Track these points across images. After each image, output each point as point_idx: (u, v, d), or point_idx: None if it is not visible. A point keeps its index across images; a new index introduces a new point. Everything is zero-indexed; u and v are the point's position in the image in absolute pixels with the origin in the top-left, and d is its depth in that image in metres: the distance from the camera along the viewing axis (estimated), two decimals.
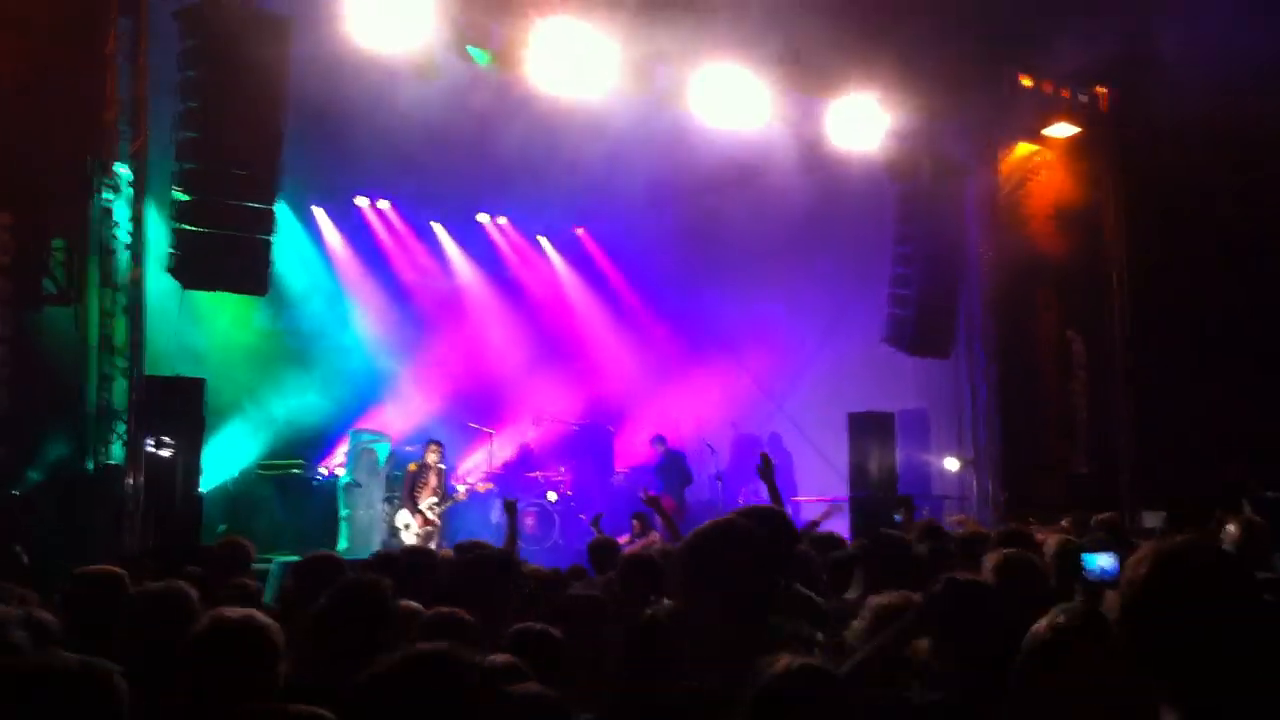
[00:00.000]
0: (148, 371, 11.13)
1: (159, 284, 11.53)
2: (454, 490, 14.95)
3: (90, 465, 10.54)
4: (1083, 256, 16.60)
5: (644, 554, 6.54)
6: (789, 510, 7.42)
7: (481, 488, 14.99)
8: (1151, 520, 10.29)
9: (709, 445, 16.91)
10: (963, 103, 15.00)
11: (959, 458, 16.11)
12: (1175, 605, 2.20)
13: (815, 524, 7.86)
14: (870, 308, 15.96)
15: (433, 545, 14.01)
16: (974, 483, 15.95)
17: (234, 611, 3.72)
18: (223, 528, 12.97)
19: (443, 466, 14.73)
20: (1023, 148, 16.52)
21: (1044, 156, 16.62)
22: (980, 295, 16.27)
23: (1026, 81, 15.72)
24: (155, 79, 11.20)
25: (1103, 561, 5.39)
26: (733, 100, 13.65)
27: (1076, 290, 16.52)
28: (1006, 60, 15.35)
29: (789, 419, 17.90)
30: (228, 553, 6.49)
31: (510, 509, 7.68)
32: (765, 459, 7.29)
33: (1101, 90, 16.44)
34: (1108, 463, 16.24)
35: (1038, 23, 14.42)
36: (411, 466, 14.81)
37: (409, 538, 14.26)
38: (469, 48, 12.39)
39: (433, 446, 14.76)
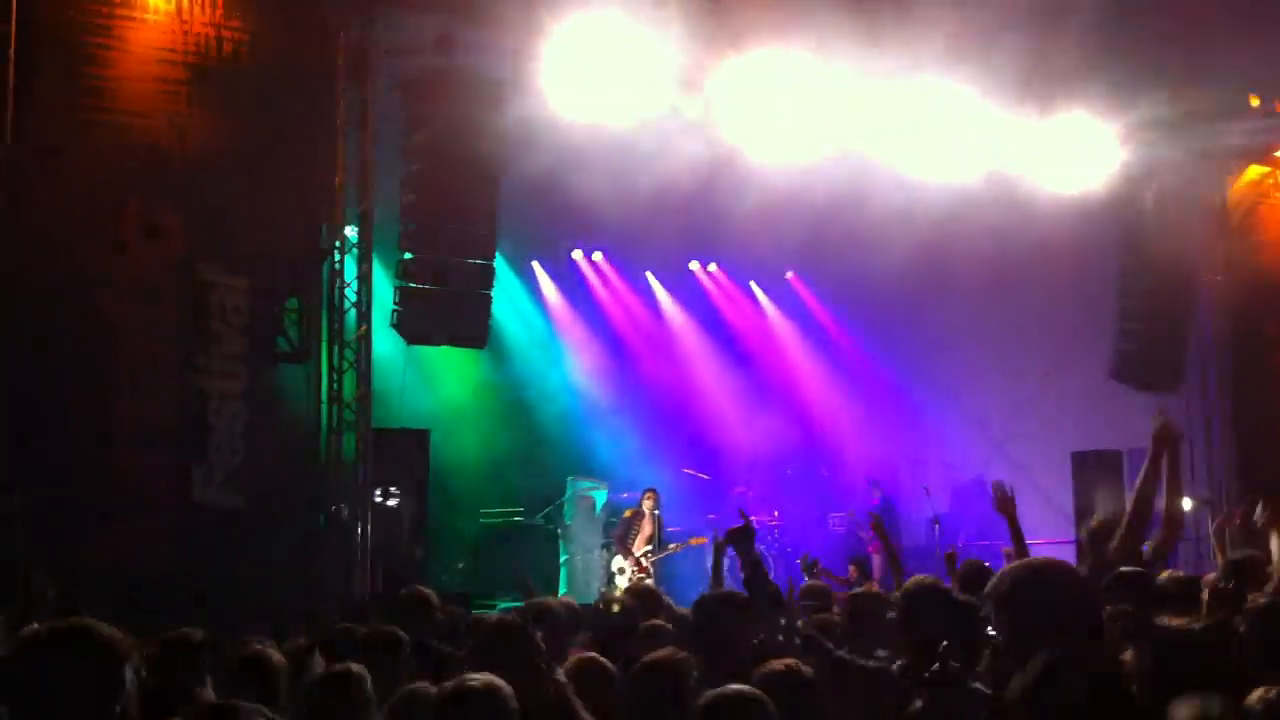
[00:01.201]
0: (375, 425, 11.58)
1: (388, 341, 12.02)
2: (670, 540, 15.05)
3: (323, 516, 10.99)
4: None
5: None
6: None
7: (695, 542, 15.01)
8: None
9: (925, 488, 16.57)
10: (1189, 125, 14.48)
11: (1194, 497, 15.41)
12: None
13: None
14: (1095, 344, 15.49)
15: None
16: (1210, 523, 15.22)
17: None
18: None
19: (659, 514, 14.85)
20: (1253, 170, 15.84)
21: (1276, 179, 15.90)
22: (1211, 327, 15.61)
23: (1255, 101, 15.08)
24: (380, 144, 11.71)
25: None
26: (947, 134, 13.49)
27: None
28: (1233, 80, 14.75)
29: (1008, 459, 17.43)
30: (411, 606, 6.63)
31: (719, 549, 7.64)
32: (999, 490, 7.10)
33: None
34: None
35: (1265, 37, 13.83)
36: (627, 513, 14.99)
37: (622, 582, 14.44)
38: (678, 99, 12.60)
39: (648, 494, 14.90)
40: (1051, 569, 3.67)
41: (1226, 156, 15.55)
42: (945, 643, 4.04)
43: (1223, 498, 15.28)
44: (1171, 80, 13.77)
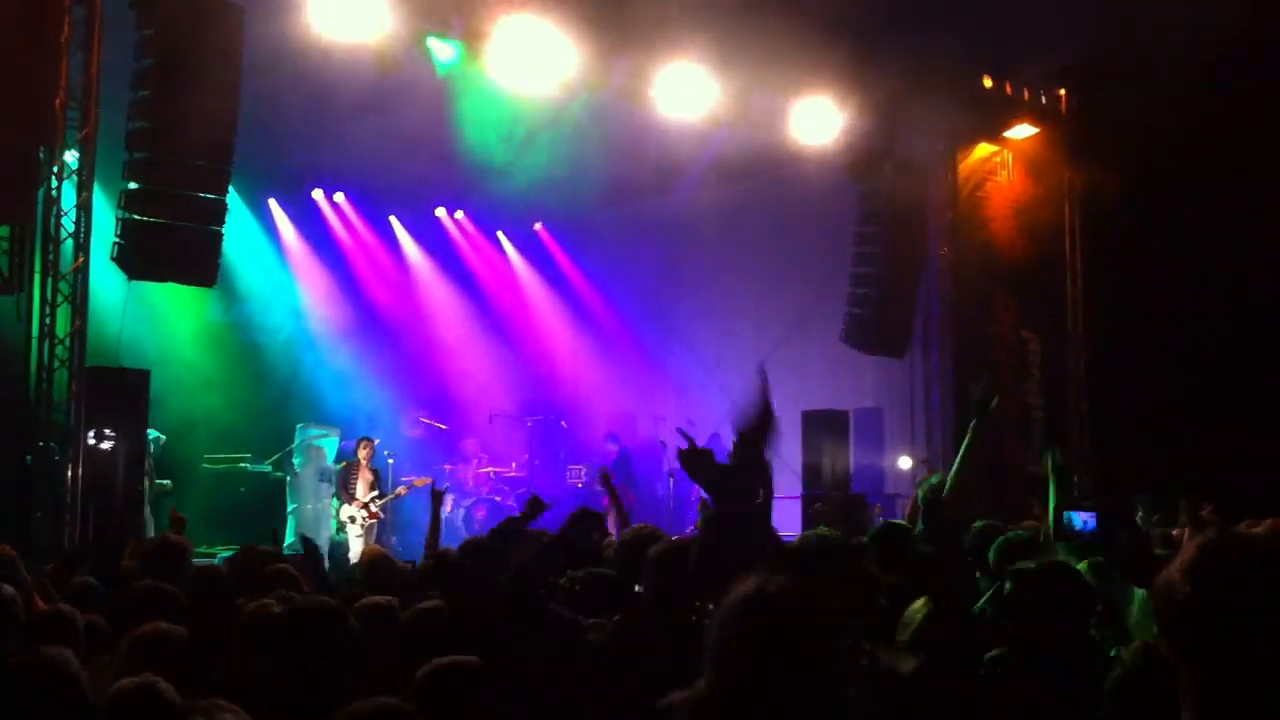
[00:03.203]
0: (92, 363, 10.96)
1: (108, 276, 11.38)
2: (398, 484, 14.94)
3: (29, 458, 10.36)
4: (1040, 256, 16.64)
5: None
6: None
7: (419, 483, 14.92)
8: None
9: (662, 442, 16.82)
10: (924, 103, 14.99)
11: (912, 456, 16.11)
12: (1231, 597, 2.12)
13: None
14: (832, 307, 15.96)
15: (371, 536, 14.05)
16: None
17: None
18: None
19: (375, 465, 14.72)
20: (983, 148, 16.52)
21: (1004, 157, 16.65)
22: (938, 295, 16.28)
23: (987, 82, 15.72)
24: (109, 68, 11.01)
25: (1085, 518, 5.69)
26: (692, 98, 13.61)
27: (1033, 290, 16.55)
28: (968, 61, 15.34)
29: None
30: (160, 550, 6.30)
31: (436, 498, 7.62)
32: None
33: (1061, 92, 16.48)
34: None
35: (999, 23, 14.41)
36: (344, 464, 14.80)
37: (355, 530, 14.26)
38: (430, 38, 12.29)
39: (363, 443, 14.75)
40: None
41: (958, 134, 16.17)
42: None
43: (939, 458, 16.01)
44: (905, 58, 14.22)
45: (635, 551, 4.87)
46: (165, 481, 13.80)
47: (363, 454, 14.67)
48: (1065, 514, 5.75)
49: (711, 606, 3.54)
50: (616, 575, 5.19)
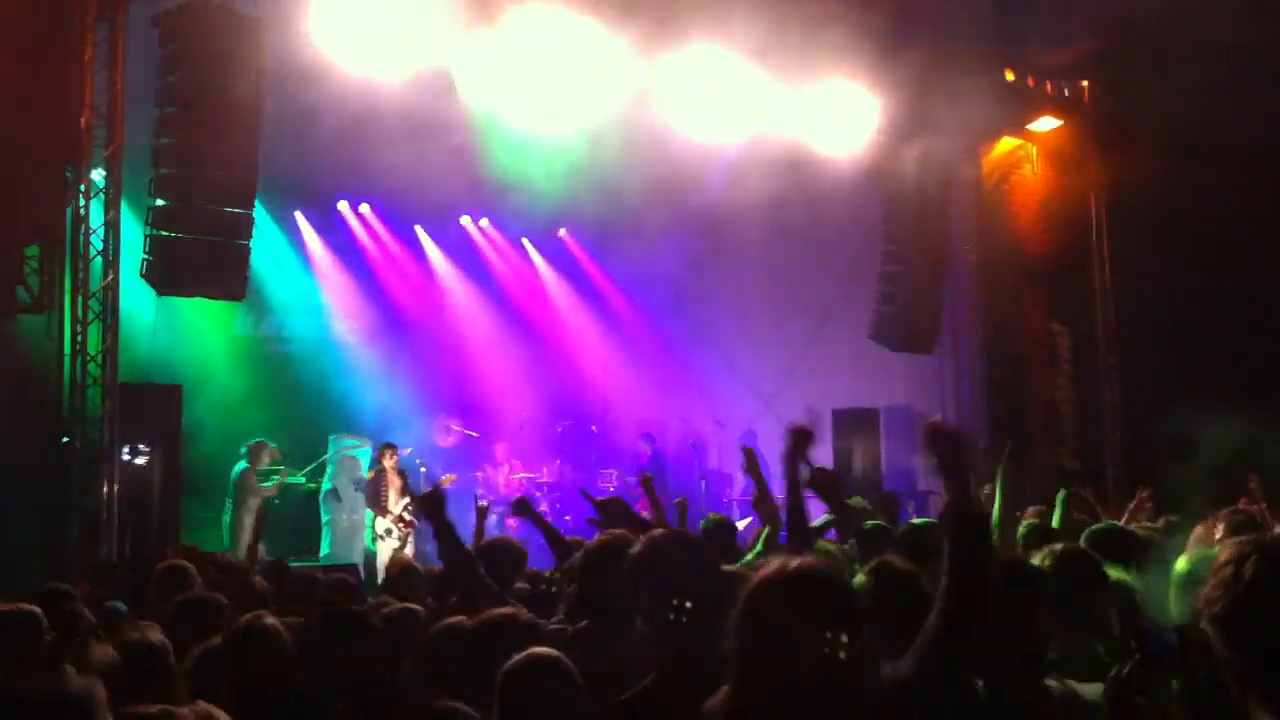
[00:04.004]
0: (124, 380, 11.03)
1: (138, 293, 11.46)
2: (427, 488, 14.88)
3: (65, 474, 10.43)
4: (1068, 250, 16.57)
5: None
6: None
7: (445, 481, 14.89)
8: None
9: (693, 444, 16.82)
10: (947, 98, 14.93)
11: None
12: None
13: None
14: (860, 305, 15.93)
15: (410, 546, 14.04)
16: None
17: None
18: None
19: (403, 470, 14.69)
20: (1006, 142, 16.48)
21: (1028, 151, 16.58)
22: (966, 290, 16.22)
23: (1010, 75, 15.66)
24: (134, 85, 11.09)
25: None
26: (716, 98, 13.60)
27: (1062, 284, 16.48)
28: (990, 55, 15.29)
29: (775, 416, 17.81)
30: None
31: (481, 513, 7.66)
32: (748, 454, 7.21)
33: (1085, 84, 16.39)
34: (1094, 455, 16.23)
35: (1022, 16, 14.37)
36: (370, 474, 14.79)
37: (393, 543, 14.25)
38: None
39: (386, 451, 14.73)
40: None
41: (981, 128, 16.11)
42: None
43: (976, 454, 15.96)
44: (927, 53, 14.18)
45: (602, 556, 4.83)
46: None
47: (387, 462, 14.63)
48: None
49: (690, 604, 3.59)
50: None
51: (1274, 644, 2.09)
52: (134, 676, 4.30)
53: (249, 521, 12.82)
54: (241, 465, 14.11)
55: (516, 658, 3.60)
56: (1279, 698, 2.08)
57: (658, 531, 4.08)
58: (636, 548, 3.81)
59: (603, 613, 4.30)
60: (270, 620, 4.35)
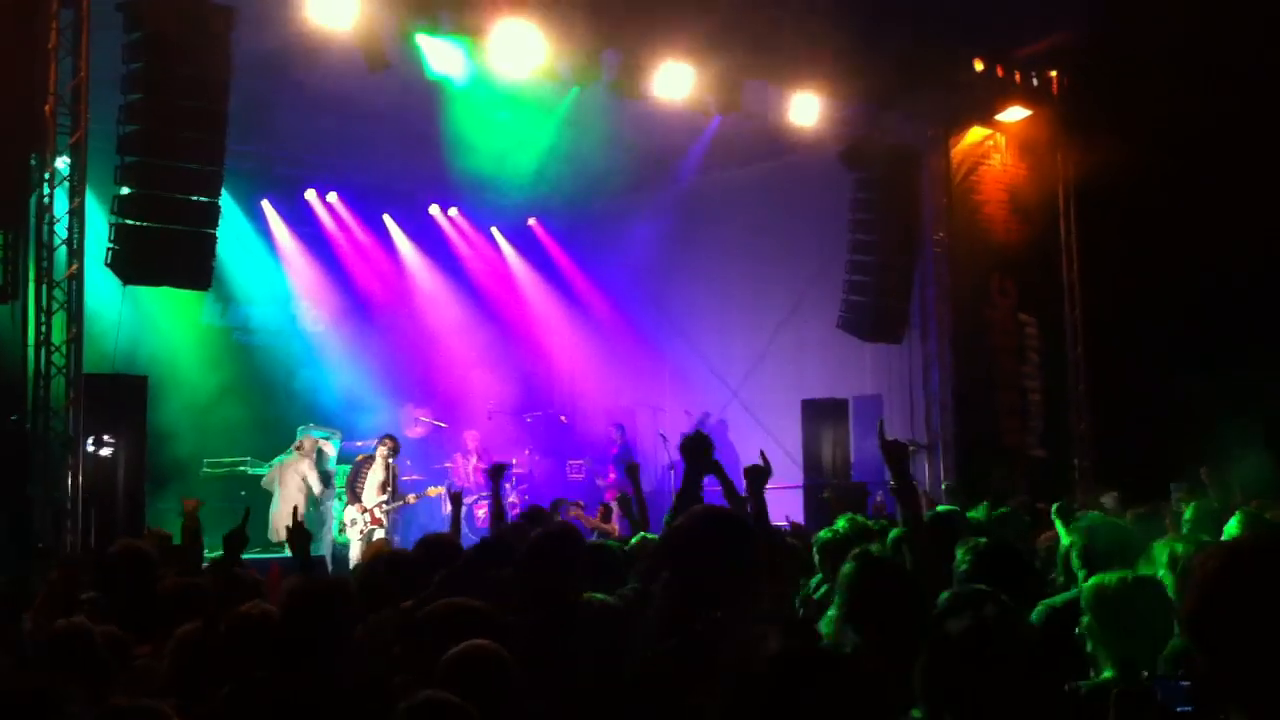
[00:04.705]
0: (89, 370, 10.91)
1: (103, 282, 11.33)
2: (406, 492, 14.80)
3: (29, 466, 10.31)
4: (1036, 240, 16.65)
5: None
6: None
7: (432, 492, 14.81)
8: (1110, 502, 10.33)
9: (662, 434, 16.80)
10: (915, 87, 14.94)
11: (913, 443, 16.08)
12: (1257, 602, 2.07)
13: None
14: (829, 295, 15.93)
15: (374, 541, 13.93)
16: (926, 467, 15.92)
17: None
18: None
19: (392, 462, 14.56)
20: (976, 132, 16.49)
21: (997, 141, 16.61)
22: (935, 280, 16.26)
23: (978, 65, 15.67)
24: (99, 72, 10.95)
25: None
26: (684, 87, 13.53)
27: (1030, 274, 16.54)
28: (958, 44, 15.30)
29: (743, 406, 17.83)
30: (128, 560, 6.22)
31: (455, 500, 7.63)
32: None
33: (1054, 74, 16.43)
34: (1062, 445, 16.34)
35: (991, 5, 14.38)
36: (359, 459, 14.69)
37: (354, 534, 14.16)
38: (418, 34, 12.22)
39: (386, 441, 14.60)
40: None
41: (950, 117, 16.14)
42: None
43: (939, 444, 16.01)
44: (896, 42, 14.17)
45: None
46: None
47: (382, 450, 14.48)
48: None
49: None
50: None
51: (1242, 646, 2.08)
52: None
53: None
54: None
55: (453, 649, 3.70)
56: (1251, 701, 2.06)
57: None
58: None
59: (554, 603, 4.34)
60: None
